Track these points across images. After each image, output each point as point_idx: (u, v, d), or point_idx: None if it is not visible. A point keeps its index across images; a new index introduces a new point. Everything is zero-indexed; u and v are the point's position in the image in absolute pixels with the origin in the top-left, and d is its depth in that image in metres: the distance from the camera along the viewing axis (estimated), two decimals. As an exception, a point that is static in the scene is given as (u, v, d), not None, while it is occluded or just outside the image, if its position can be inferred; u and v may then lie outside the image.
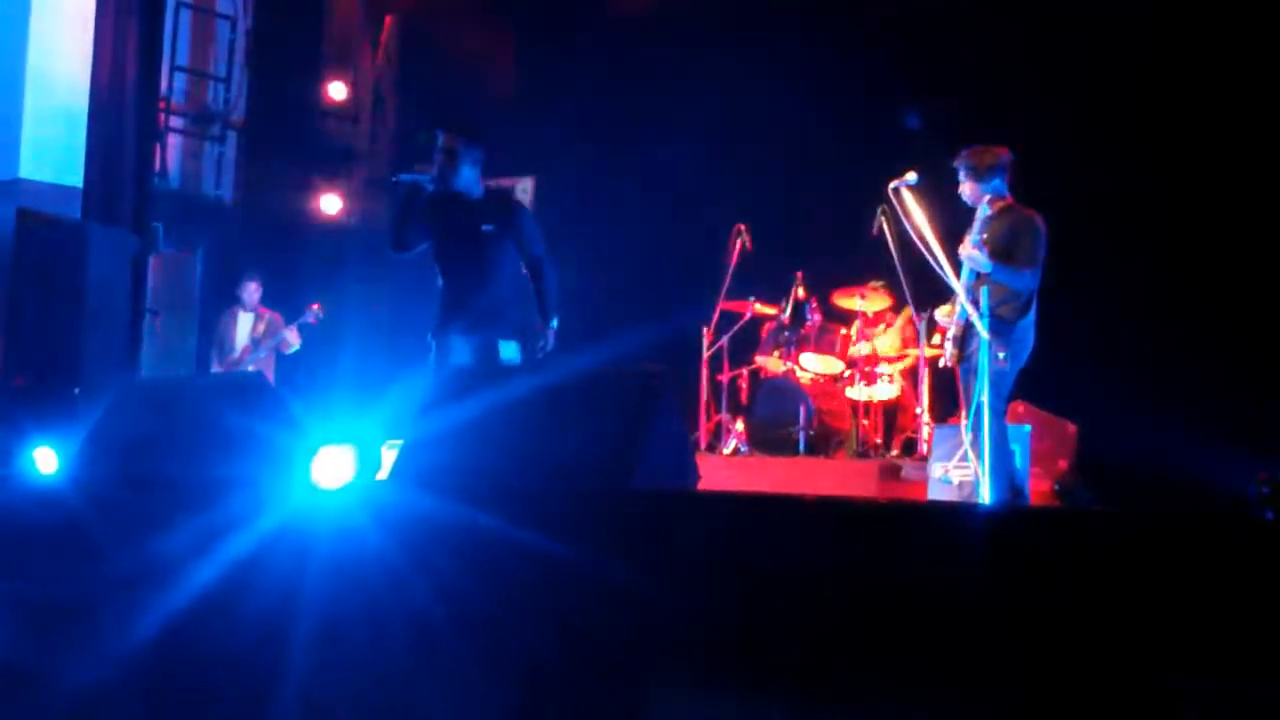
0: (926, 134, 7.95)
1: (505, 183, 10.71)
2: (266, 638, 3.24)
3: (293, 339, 9.16)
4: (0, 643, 3.85)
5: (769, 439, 7.86)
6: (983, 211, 5.75)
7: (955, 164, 5.78)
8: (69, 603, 3.74)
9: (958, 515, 2.81)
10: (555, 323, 5.70)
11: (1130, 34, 7.44)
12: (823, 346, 8.15)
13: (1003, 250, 5.58)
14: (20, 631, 3.82)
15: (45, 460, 5.16)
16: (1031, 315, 5.64)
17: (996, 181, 5.72)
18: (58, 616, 3.75)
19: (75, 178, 9.14)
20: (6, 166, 8.96)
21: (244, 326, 9.24)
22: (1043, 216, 5.65)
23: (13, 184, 8.91)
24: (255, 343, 9.12)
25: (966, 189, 5.75)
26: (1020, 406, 6.72)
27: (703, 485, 3.67)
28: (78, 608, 3.71)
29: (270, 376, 8.89)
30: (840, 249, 7.92)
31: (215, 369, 9.07)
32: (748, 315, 8.41)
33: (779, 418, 7.84)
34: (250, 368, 8.85)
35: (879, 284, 7.98)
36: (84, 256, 8.17)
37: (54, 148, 9.01)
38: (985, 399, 5.34)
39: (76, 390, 7.84)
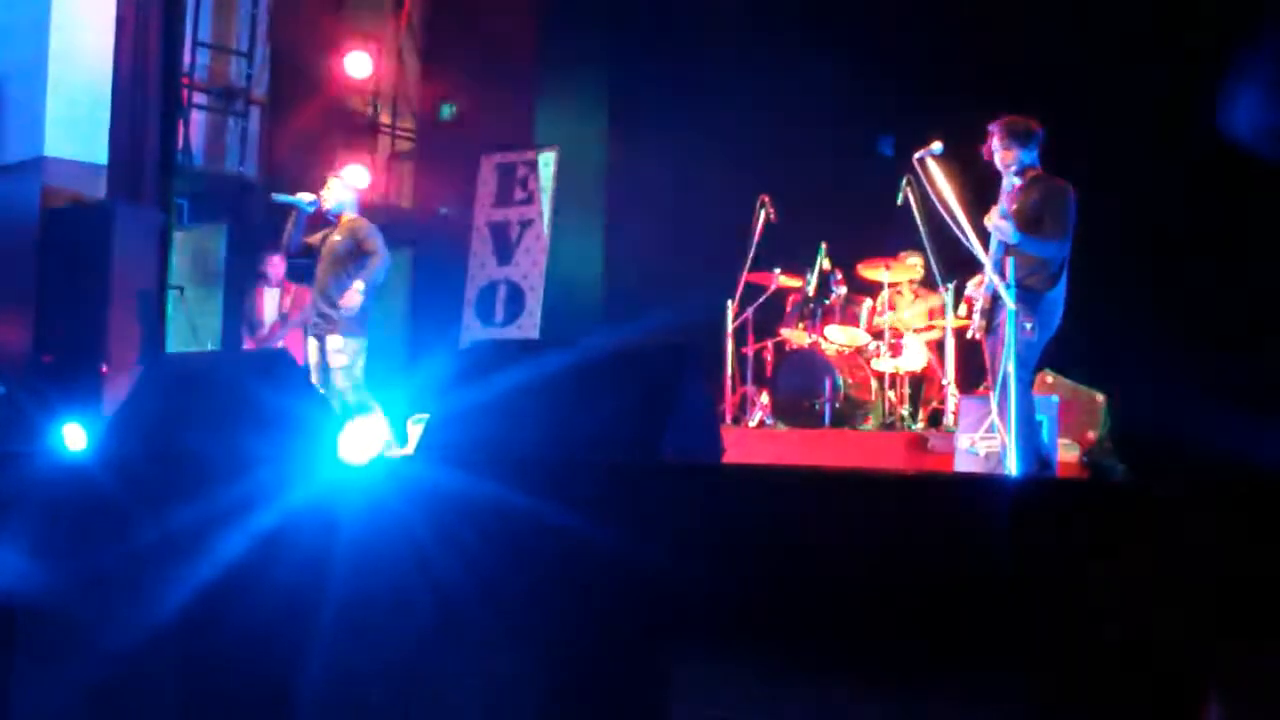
0: (954, 103, 7.88)
1: (528, 155, 10.71)
2: (293, 611, 3.26)
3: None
4: (36, 611, 3.89)
5: (794, 411, 7.83)
6: (1010, 182, 5.69)
7: (992, 127, 5.69)
8: (100, 576, 3.77)
9: (984, 487, 2.79)
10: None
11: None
12: (848, 318, 8.09)
13: (1032, 219, 5.53)
14: (55, 601, 3.86)
15: (74, 437, 5.20)
16: (1061, 286, 5.58)
17: (1033, 151, 5.67)
18: (90, 588, 3.78)
19: (100, 155, 9.16)
20: (31, 144, 8.99)
21: (271, 302, 9.26)
22: (1073, 186, 5.60)
23: (37, 162, 8.95)
24: (283, 318, 9.15)
25: (1001, 155, 5.68)
26: (1048, 377, 6.68)
27: (728, 458, 3.66)
28: (109, 581, 3.74)
29: (298, 352, 8.92)
30: (865, 220, 7.85)
31: (247, 346, 9.11)
32: (772, 287, 8.35)
33: (804, 390, 7.81)
34: (280, 343, 8.87)
35: (910, 254, 7.88)
36: (109, 234, 8.21)
37: (78, 126, 9.03)
38: (1011, 369, 5.31)
39: (104, 367, 7.89)
